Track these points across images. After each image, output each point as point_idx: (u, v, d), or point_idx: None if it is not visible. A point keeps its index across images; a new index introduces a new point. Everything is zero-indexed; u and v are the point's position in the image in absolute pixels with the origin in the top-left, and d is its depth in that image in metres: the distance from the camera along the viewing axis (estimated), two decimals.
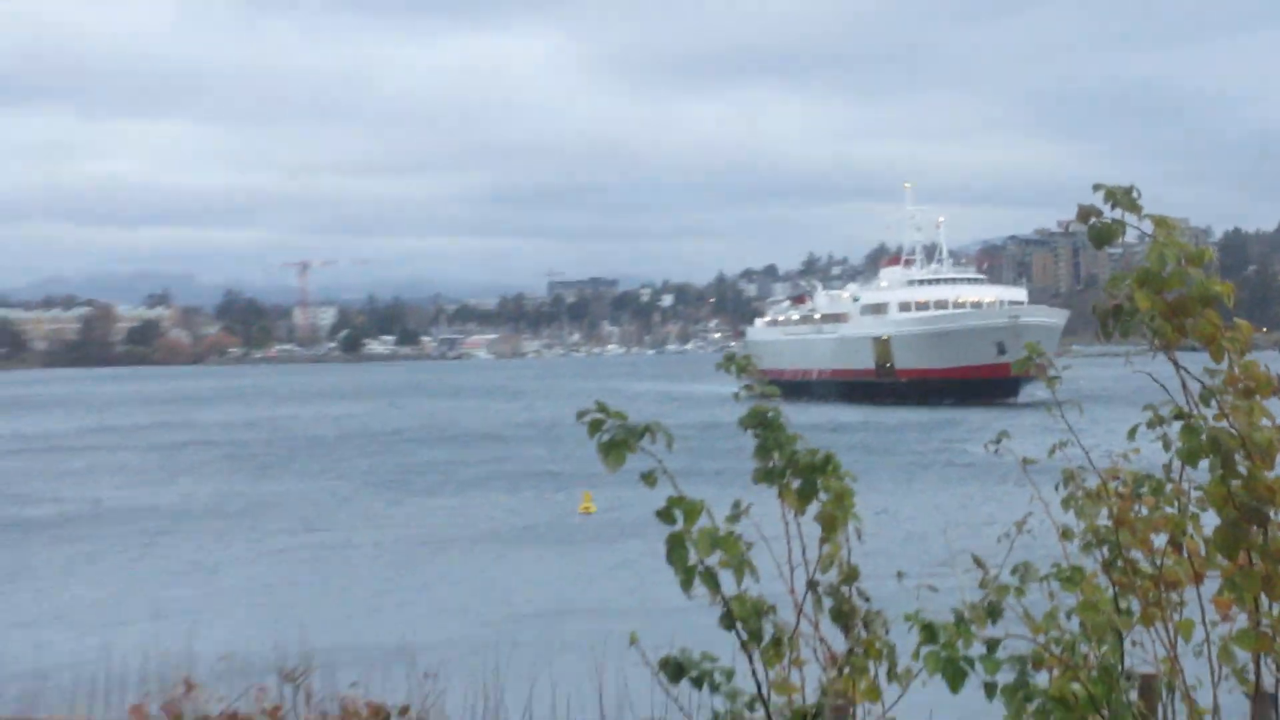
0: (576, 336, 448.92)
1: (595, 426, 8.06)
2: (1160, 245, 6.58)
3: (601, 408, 8.08)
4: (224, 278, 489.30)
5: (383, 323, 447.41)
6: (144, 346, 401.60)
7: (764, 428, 8.35)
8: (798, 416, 8.84)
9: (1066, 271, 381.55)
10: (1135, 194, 6.86)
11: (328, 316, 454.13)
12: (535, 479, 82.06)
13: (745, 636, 8.09)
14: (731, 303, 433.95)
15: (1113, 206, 6.87)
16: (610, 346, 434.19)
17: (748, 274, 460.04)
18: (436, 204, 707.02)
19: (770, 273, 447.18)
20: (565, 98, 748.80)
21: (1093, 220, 6.70)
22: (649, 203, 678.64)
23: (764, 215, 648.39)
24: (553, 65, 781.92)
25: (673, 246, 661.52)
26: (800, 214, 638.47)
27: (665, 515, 7.95)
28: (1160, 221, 6.68)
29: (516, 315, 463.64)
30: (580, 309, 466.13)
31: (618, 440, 7.99)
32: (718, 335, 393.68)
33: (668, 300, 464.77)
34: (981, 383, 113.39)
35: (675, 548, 7.93)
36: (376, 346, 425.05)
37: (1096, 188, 6.94)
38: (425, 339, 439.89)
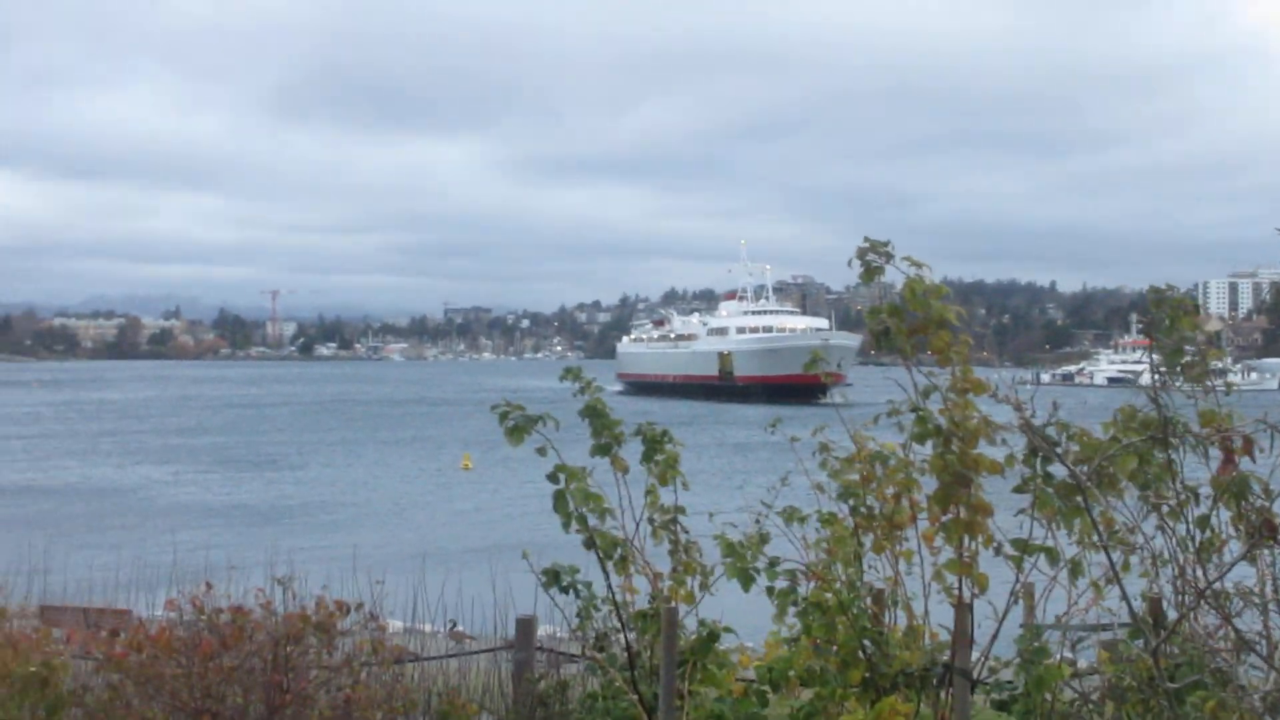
0: (462, 346, 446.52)
1: (503, 416, 7.91)
2: (911, 281, 6.54)
3: (508, 404, 7.93)
4: (219, 300, 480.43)
5: (328, 334, 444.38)
6: (161, 346, 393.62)
7: (595, 416, 8.22)
8: (661, 407, 8.72)
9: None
10: (890, 246, 6.85)
11: (290, 329, 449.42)
12: (427, 441, 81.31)
13: (603, 556, 7.97)
14: (569, 325, 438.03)
15: (874, 253, 6.82)
16: (485, 354, 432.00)
17: (580, 306, 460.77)
18: (371, 254, 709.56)
19: (595, 306, 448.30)
20: (470, 185, 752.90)
21: (869, 257, 6.63)
22: (518, 256, 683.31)
23: (593, 266, 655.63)
24: (464, 163, 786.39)
25: (531, 286, 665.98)
26: (618, 266, 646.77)
27: (553, 477, 7.81)
28: (912, 261, 6.64)
29: (421, 331, 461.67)
30: (465, 327, 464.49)
31: (521, 425, 7.85)
32: (559, 348, 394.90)
33: (526, 323, 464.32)
34: (799, 387, 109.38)
35: (560, 499, 7.78)
36: (323, 350, 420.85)
37: (866, 240, 6.90)
38: (357, 346, 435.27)
